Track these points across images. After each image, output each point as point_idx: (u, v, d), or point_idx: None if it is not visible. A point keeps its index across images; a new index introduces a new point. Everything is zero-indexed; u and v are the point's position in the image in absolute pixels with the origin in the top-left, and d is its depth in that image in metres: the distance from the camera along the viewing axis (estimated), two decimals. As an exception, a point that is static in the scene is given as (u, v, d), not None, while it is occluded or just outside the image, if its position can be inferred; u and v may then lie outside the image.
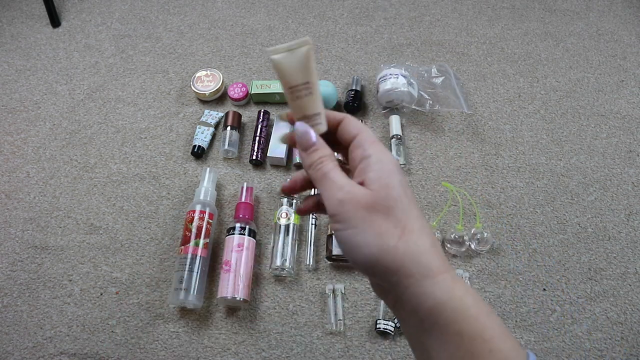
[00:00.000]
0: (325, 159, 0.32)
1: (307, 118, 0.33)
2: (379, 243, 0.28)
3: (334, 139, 0.35)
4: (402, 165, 0.85)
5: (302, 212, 0.37)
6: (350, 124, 0.33)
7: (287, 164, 0.86)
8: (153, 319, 0.72)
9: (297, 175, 0.36)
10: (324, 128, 0.34)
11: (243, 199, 0.78)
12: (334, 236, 0.75)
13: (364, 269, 0.30)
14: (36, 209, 0.82)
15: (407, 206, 0.30)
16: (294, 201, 0.79)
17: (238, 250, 0.72)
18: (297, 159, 0.86)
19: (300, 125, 0.33)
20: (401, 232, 0.29)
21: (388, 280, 0.29)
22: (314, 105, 0.33)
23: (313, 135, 0.33)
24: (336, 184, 0.30)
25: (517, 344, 0.28)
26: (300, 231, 0.79)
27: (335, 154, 0.36)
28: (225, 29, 1.06)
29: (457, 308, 0.28)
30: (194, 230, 0.73)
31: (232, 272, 0.70)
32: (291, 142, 0.35)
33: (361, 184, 0.31)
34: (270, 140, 0.87)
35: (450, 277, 0.29)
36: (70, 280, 0.75)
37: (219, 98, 0.95)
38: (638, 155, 0.87)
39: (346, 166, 0.35)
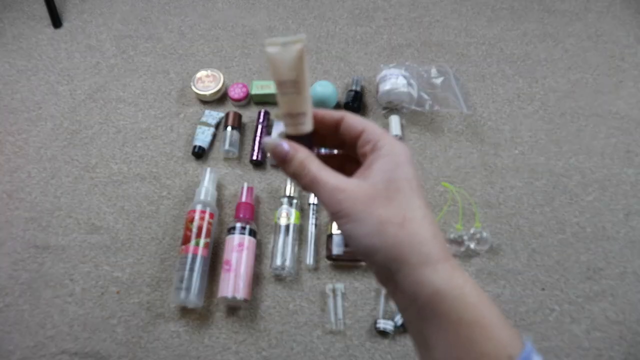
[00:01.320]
0: (307, 161, 0.31)
1: (292, 116, 0.33)
2: (379, 232, 0.29)
3: (336, 138, 0.35)
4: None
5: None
6: (353, 120, 0.33)
7: (287, 164, 0.87)
8: (154, 318, 0.72)
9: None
10: (307, 128, 0.33)
11: (243, 199, 0.78)
12: (333, 235, 0.75)
13: (366, 258, 0.30)
14: (37, 209, 0.82)
15: (409, 197, 0.30)
16: (294, 201, 0.79)
17: (238, 250, 0.72)
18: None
19: (268, 140, 0.33)
20: (401, 221, 0.29)
21: (388, 269, 0.29)
22: (300, 104, 0.32)
23: (285, 145, 0.32)
24: (329, 185, 0.30)
25: (515, 332, 0.28)
26: (300, 231, 0.79)
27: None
28: (225, 29, 1.06)
29: (456, 296, 0.28)
30: (194, 230, 0.73)
31: (232, 271, 0.71)
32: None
33: (359, 175, 0.31)
34: (271, 140, 0.87)
35: (450, 265, 0.29)
36: (72, 280, 0.75)
37: (220, 98, 0.95)
38: (636, 156, 0.87)
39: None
